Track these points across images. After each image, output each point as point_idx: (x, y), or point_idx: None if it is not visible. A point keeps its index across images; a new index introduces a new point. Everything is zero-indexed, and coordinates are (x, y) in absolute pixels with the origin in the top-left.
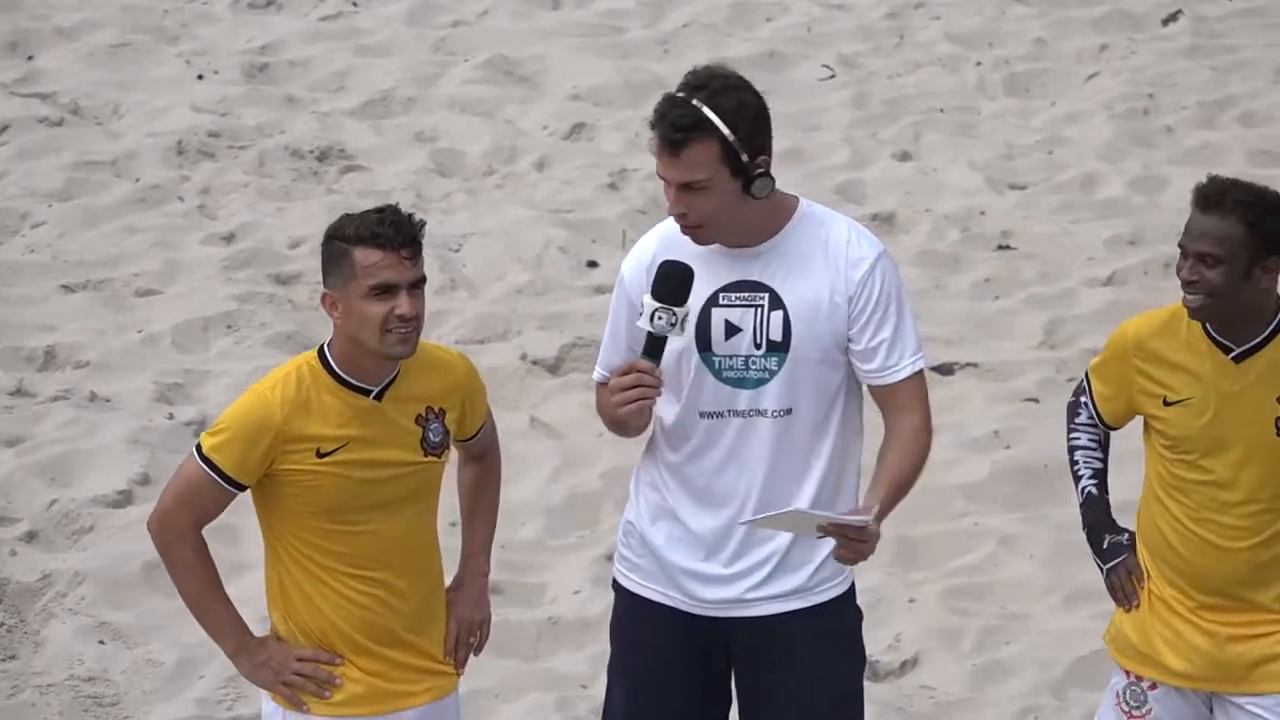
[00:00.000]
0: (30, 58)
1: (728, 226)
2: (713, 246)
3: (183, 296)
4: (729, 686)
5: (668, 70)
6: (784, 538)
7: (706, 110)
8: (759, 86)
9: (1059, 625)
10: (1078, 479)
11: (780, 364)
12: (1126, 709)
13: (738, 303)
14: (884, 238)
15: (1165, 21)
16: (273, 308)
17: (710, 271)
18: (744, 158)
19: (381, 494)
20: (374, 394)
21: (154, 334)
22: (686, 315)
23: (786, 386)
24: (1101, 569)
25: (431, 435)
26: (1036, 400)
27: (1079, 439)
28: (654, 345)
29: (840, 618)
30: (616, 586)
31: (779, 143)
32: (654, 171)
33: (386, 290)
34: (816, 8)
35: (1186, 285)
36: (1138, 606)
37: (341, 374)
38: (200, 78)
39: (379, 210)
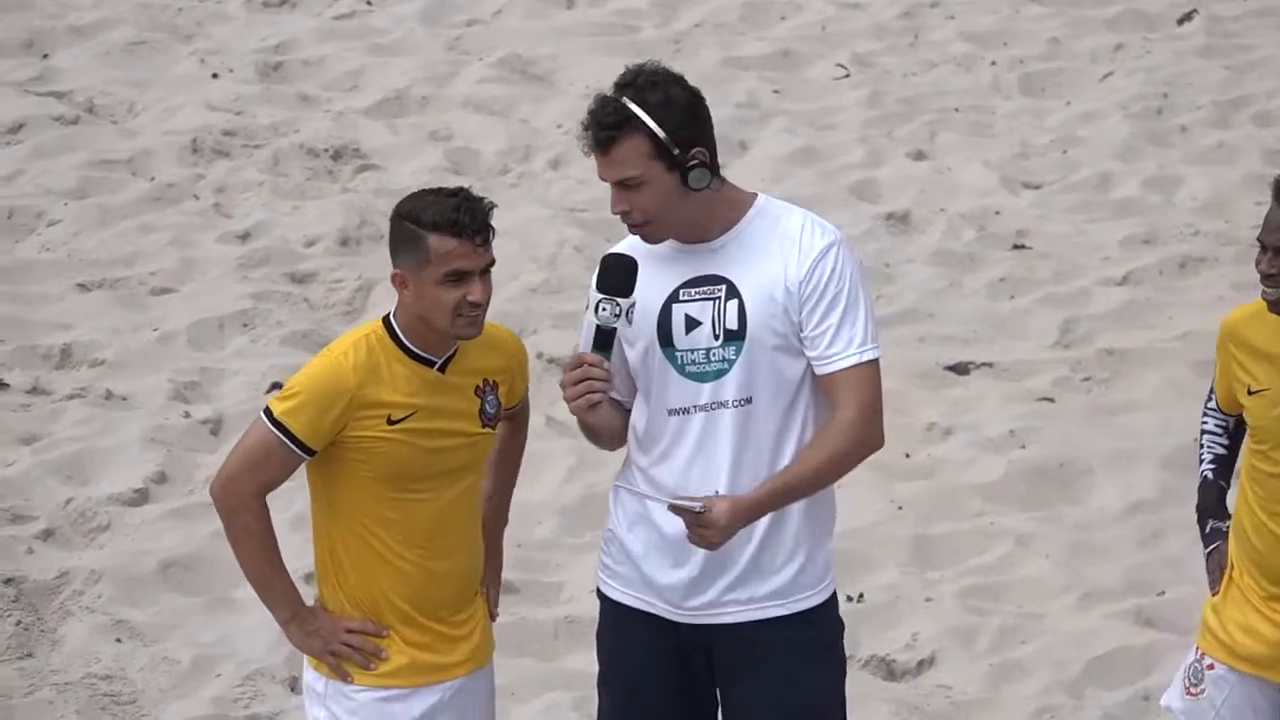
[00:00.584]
0: (45, 56)
1: (674, 221)
2: (673, 245)
3: (198, 295)
4: (713, 693)
5: (681, 68)
6: (756, 541)
7: (633, 106)
8: (773, 86)
9: (1075, 625)
10: (1200, 461)
11: (738, 352)
12: (1186, 684)
13: (697, 297)
14: (899, 237)
15: (1180, 21)
16: (288, 306)
17: (671, 269)
18: (675, 151)
19: (443, 463)
20: (437, 365)
21: (170, 332)
22: (632, 305)
23: (745, 374)
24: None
25: (488, 407)
26: (1052, 400)
27: (1206, 423)
28: (602, 338)
29: (820, 626)
30: (600, 594)
31: (793, 141)
32: None
33: (460, 277)
34: (831, 6)
35: (1265, 279)
36: (1217, 594)
37: (408, 344)
38: (215, 76)
39: (452, 194)
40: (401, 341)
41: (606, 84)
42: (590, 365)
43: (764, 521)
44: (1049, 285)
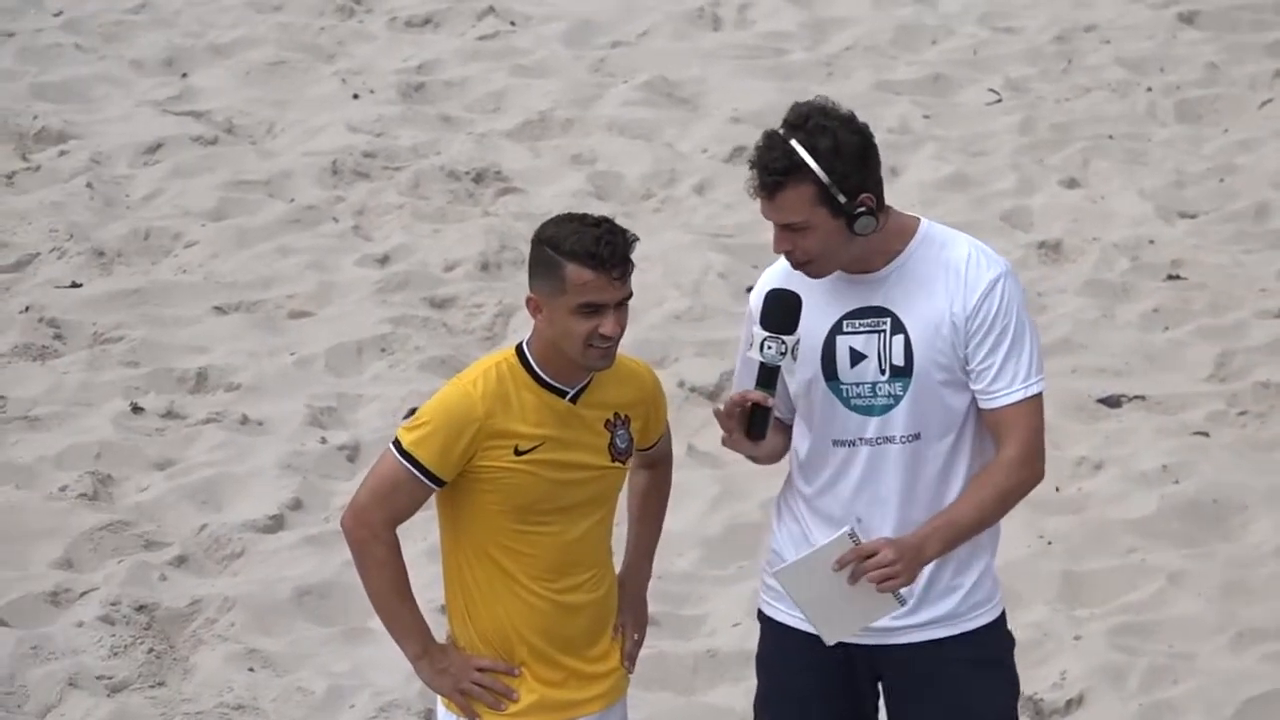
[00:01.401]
0: (185, 75)
1: (839, 260)
2: (835, 275)
3: (336, 319)
4: (877, 716)
5: (831, 93)
6: (930, 566)
7: (802, 152)
8: (924, 111)
9: (1228, 666)
10: None
11: (905, 389)
12: None
13: (861, 329)
14: (1050, 266)
15: None
16: (427, 331)
17: (833, 299)
18: (841, 199)
19: (569, 496)
20: (569, 396)
21: (307, 357)
22: (797, 343)
23: (913, 411)
24: None
25: (619, 441)
26: (1206, 434)
27: None
28: (766, 375)
29: (990, 645)
30: (761, 616)
31: (943, 167)
32: None
33: (594, 309)
34: (983, 30)
35: None
36: None
37: (540, 373)
38: (356, 97)
39: (596, 224)
40: (534, 370)
41: (754, 108)
42: (753, 403)
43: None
44: (1204, 317)
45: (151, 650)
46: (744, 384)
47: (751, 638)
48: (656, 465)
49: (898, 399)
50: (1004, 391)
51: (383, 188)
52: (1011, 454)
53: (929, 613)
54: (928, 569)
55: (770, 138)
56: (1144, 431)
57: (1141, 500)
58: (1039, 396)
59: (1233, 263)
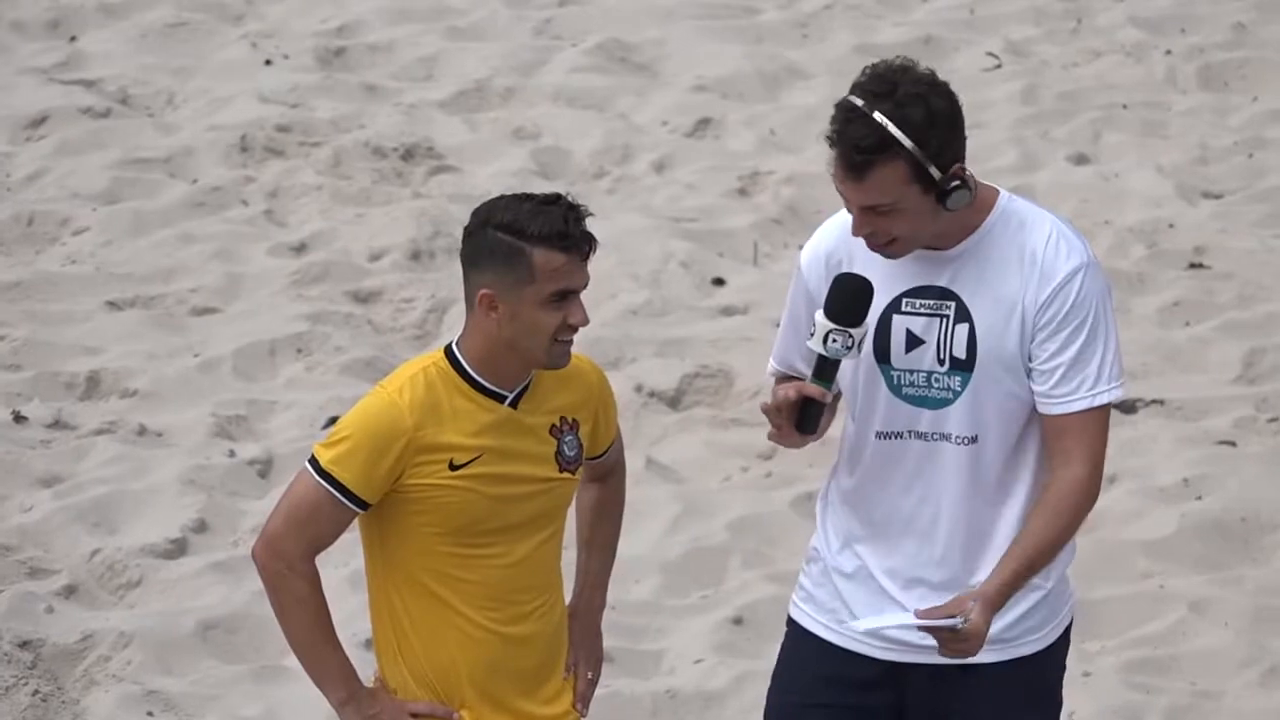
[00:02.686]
0: (73, 39)
1: (923, 239)
2: None
3: (246, 316)
4: None
5: (807, 58)
6: (979, 577)
7: (892, 127)
8: None
9: (1257, 705)
10: None
11: (964, 384)
12: None
13: (922, 310)
14: None
15: None
16: (349, 329)
17: (894, 272)
18: (936, 174)
19: (513, 513)
20: (509, 400)
21: (212, 359)
22: (864, 336)
23: (972, 409)
24: None
25: (567, 449)
26: (1233, 443)
27: None
28: (826, 368)
29: (1038, 668)
30: (789, 621)
31: None
32: (791, 174)
33: (564, 296)
34: None
35: None
36: None
37: (475, 376)
38: (268, 63)
39: (551, 201)
40: (467, 373)
41: (719, 74)
42: (812, 398)
43: (988, 559)
44: (1231, 310)
45: (37, 693)
46: (788, 355)
47: (715, 676)
48: (608, 478)
49: (956, 394)
50: (1068, 397)
51: (298, 166)
52: (1080, 473)
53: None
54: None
55: (852, 111)
56: (1163, 440)
57: (1160, 518)
58: (1108, 407)
59: (1263, 249)
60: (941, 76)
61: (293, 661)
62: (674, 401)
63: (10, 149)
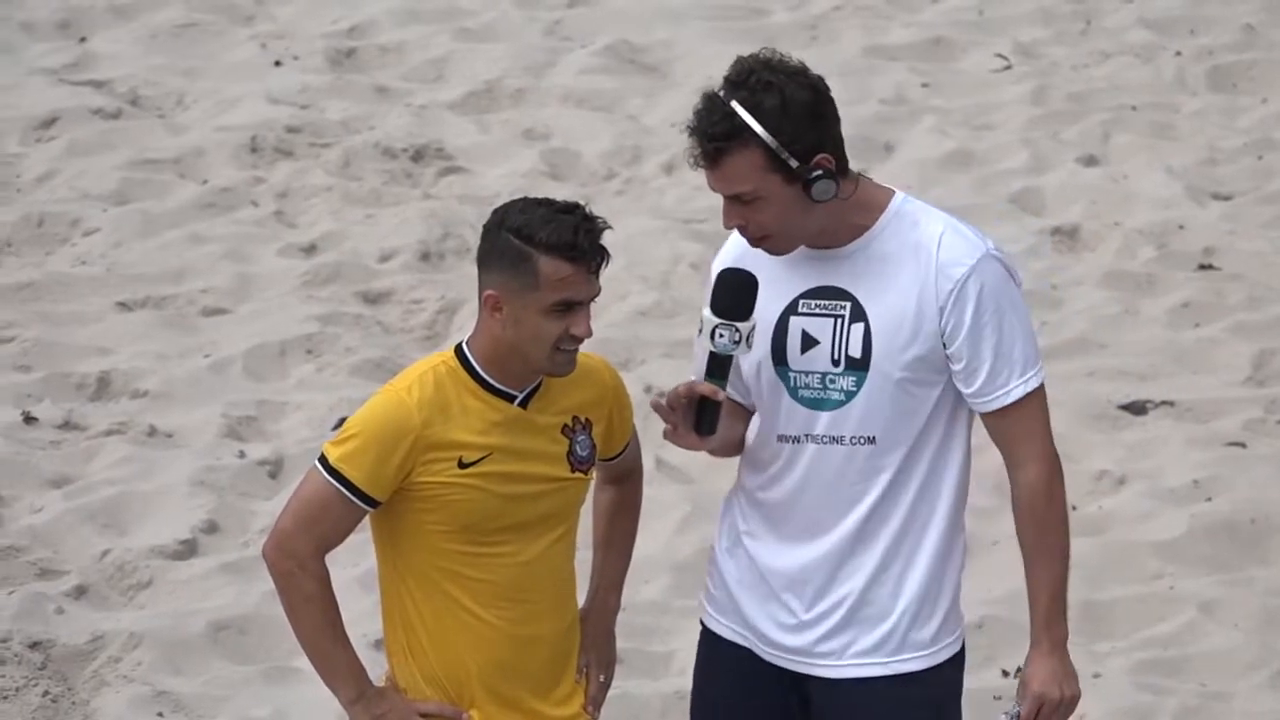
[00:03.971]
0: (83, 39)
1: (799, 233)
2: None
3: (256, 316)
4: None
5: (816, 59)
6: (861, 582)
7: (744, 114)
8: (922, 79)
9: (1267, 707)
10: None
11: (859, 384)
12: None
13: (817, 311)
14: (1066, 255)
15: None
16: (359, 330)
17: (791, 275)
18: (794, 164)
19: (523, 512)
20: (519, 400)
21: (222, 359)
22: (753, 329)
23: (866, 409)
24: None
25: (579, 449)
26: (1243, 445)
27: None
28: (717, 365)
29: (923, 686)
30: (701, 622)
31: (944, 143)
32: None
33: (569, 307)
34: None
35: None
36: None
37: (485, 376)
38: (278, 64)
39: (567, 210)
40: (477, 372)
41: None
42: (706, 397)
43: (872, 560)
44: (1240, 312)
45: (47, 694)
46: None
47: None
48: (624, 480)
49: (851, 395)
50: (1000, 392)
51: (308, 167)
52: (1035, 473)
53: (859, 639)
54: (858, 585)
55: (709, 100)
56: (1172, 442)
57: (1170, 520)
58: (1041, 390)
59: (1272, 250)
60: (950, 77)
61: (303, 662)
62: None
63: (21, 150)
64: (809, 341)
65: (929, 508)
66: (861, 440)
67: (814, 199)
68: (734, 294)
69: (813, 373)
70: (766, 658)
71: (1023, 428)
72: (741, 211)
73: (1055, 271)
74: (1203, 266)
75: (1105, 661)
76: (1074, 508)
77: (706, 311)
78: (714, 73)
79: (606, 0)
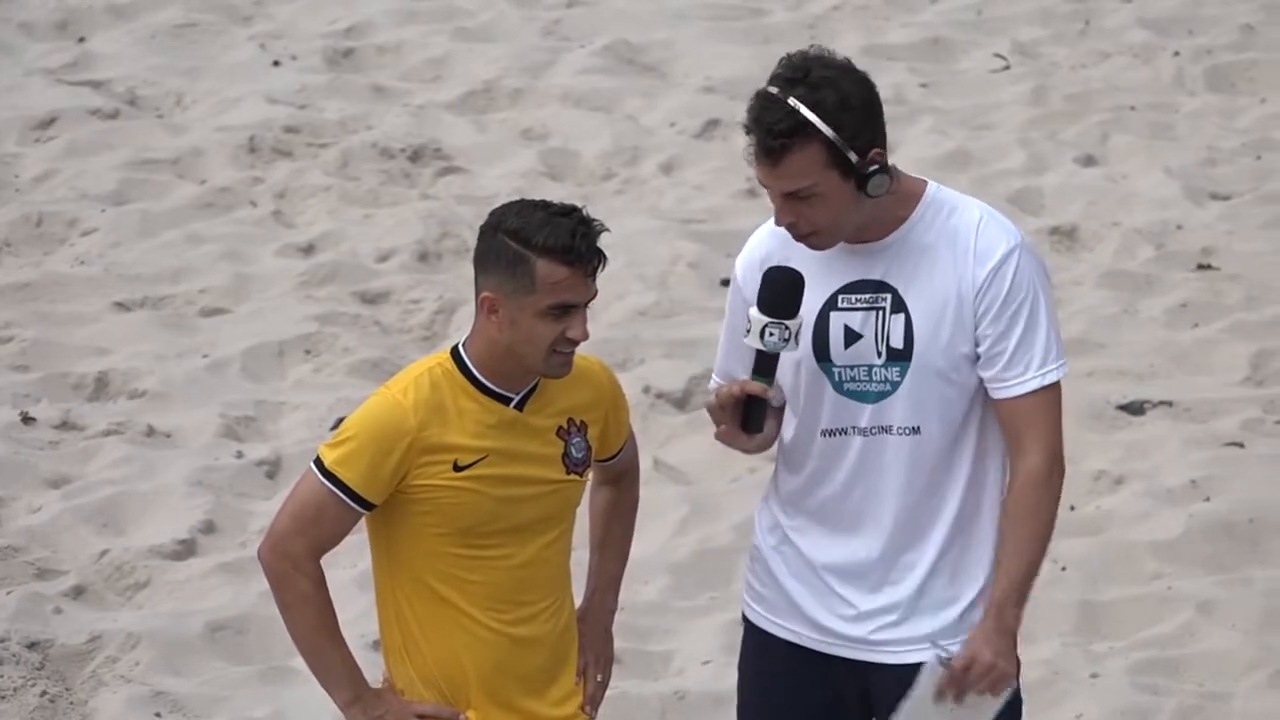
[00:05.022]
0: (81, 40)
1: (846, 229)
2: None
3: (254, 316)
4: None
5: None
6: (923, 571)
7: (805, 110)
8: (920, 79)
9: (1265, 707)
10: None
11: (903, 374)
12: None
13: (859, 305)
14: (1065, 255)
15: None
16: (357, 330)
17: (829, 270)
18: (853, 158)
19: (518, 515)
20: (514, 402)
21: (220, 359)
22: (800, 327)
23: (912, 399)
24: None
25: (574, 450)
26: (1241, 445)
27: None
28: (765, 364)
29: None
30: (744, 619)
31: (943, 143)
32: None
33: (565, 310)
34: None
35: None
36: None
37: (480, 378)
38: (276, 64)
39: (564, 213)
40: (473, 374)
41: (728, 75)
42: (751, 396)
43: (929, 550)
44: (1238, 312)
45: (45, 694)
46: (731, 366)
47: (724, 677)
48: (620, 480)
49: (895, 385)
50: (1017, 380)
51: (306, 167)
52: (1036, 462)
53: (921, 626)
54: (917, 577)
55: (766, 97)
56: (1170, 442)
57: (1167, 520)
58: (1057, 385)
59: (1270, 250)
60: (948, 77)
61: (301, 663)
62: (682, 403)
63: (19, 150)
64: (852, 336)
65: (977, 495)
66: (908, 430)
67: (869, 194)
68: (783, 292)
69: (858, 366)
70: (823, 649)
71: (1033, 419)
72: (796, 208)
73: (1053, 272)
74: (1201, 267)
75: (1103, 662)
76: (1072, 508)
77: (754, 311)
78: (713, 73)
79: (605, 0)
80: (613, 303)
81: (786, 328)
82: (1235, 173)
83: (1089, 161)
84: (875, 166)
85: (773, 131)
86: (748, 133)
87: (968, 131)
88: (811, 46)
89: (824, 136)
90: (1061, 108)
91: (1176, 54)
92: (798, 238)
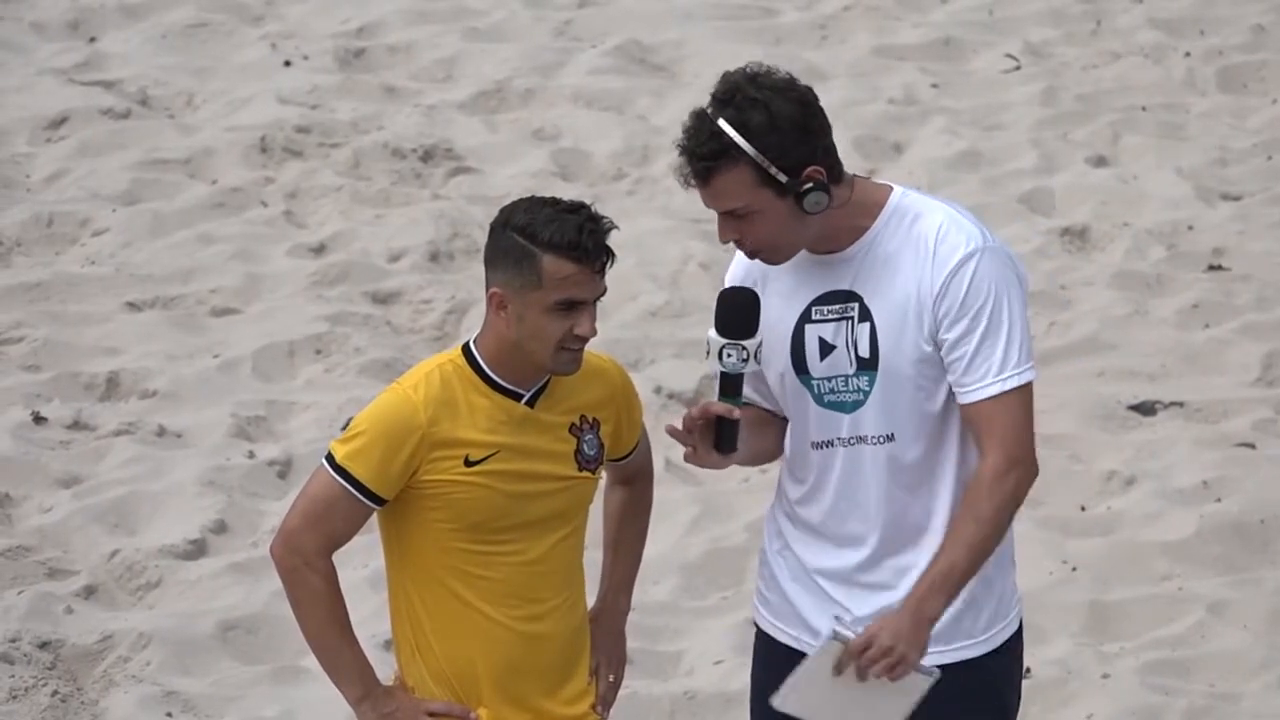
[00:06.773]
0: (93, 39)
1: (795, 243)
2: (802, 255)
3: (265, 316)
4: None
5: (826, 59)
6: (917, 574)
7: (731, 132)
8: (932, 79)
9: (1276, 707)
10: None
11: (872, 383)
12: None
13: (830, 316)
14: (1076, 255)
15: None
16: (368, 330)
17: (802, 283)
18: (782, 178)
19: (530, 510)
20: (526, 399)
21: (232, 359)
22: (759, 345)
23: (882, 408)
24: None
25: (586, 448)
26: (1252, 446)
27: None
28: (730, 385)
29: (980, 674)
30: (755, 623)
31: (954, 143)
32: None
33: (571, 306)
34: None
35: None
36: None
37: (491, 374)
38: (287, 64)
39: (573, 209)
40: (484, 371)
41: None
42: (723, 416)
43: (924, 554)
44: (1250, 312)
45: (56, 693)
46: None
47: (734, 677)
48: (634, 480)
49: (865, 394)
50: (976, 385)
51: (318, 168)
52: (991, 465)
53: None
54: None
55: (697, 118)
56: (1181, 443)
57: (1179, 520)
58: (1024, 389)
59: None
60: (960, 77)
61: (312, 662)
62: (693, 403)
63: (30, 150)
64: (826, 347)
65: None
66: (881, 439)
67: (807, 211)
68: (736, 313)
69: (835, 377)
70: None
71: (991, 423)
72: (736, 226)
73: (1064, 272)
74: (1212, 267)
75: (1114, 662)
76: (1083, 508)
77: (712, 333)
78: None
79: (616, 0)
80: (624, 303)
81: (744, 348)
82: (1246, 173)
83: (1100, 162)
84: (810, 185)
85: (697, 154)
86: (680, 154)
87: (979, 132)
88: (750, 65)
89: (750, 158)
90: (1072, 108)
91: (1188, 54)
92: (747, 255)
